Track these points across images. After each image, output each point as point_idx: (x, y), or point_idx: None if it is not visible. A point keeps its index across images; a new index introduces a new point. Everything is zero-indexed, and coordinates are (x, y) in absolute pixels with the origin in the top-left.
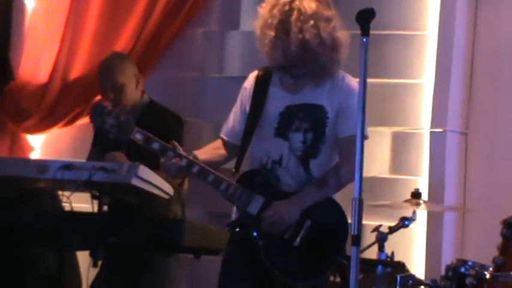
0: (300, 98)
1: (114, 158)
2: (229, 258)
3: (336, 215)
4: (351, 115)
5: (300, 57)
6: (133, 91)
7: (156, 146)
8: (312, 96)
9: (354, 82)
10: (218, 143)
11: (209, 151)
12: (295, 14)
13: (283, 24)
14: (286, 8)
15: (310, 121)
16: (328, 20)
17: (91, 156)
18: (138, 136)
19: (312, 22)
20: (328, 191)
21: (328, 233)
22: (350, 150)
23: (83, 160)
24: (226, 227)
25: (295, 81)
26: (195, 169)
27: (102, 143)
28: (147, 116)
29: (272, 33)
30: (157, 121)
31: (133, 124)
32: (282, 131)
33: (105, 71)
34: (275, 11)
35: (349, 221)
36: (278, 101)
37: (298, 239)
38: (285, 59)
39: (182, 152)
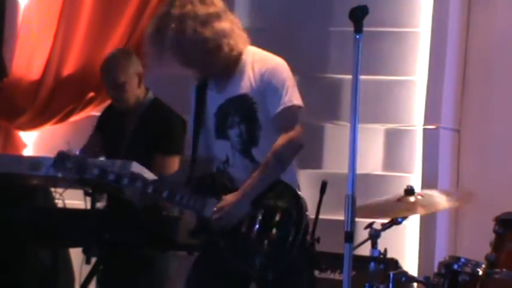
0: (225, 95)
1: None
2: (195, 265)
3: (286, 197)
4: (274, 91)
5: (196, 64)
6: (135, 89)
7: (111, 176)
8: (233, 88)
9: (263, 57)
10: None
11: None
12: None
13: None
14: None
15: (239, 113)
16: (194, 17)
17: (92, 141)
18: (95, 172)
19: (183, 26)
20: (272, 173)
21: (281, 218)
22: (282, 125)
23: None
24: (190, 238)
25: (218, 81)
26: (150, 189)
27: (103, 132)
28: (150, 113)
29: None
30: (160, 120)
31: (89, 163)
32: (221, 131)
33: (107, 69)
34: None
35: (342, 218)
36: (211, 103)
37: (254, 231)
38: (188, 69)
39: (136, 175)
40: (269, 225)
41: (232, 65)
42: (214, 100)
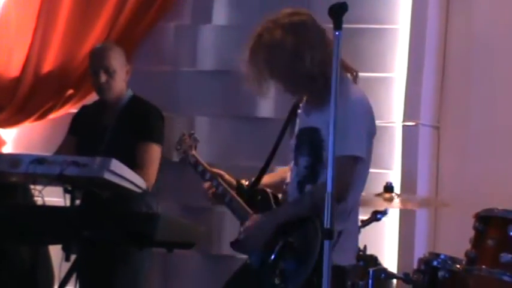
0: (308, 121)
1: None
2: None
3: (308, 236)
4: (341, 133)
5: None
6: (122, 81)
7: (200, 168)
8: (315, 118)
9: (348, 91)
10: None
11: (275, 175)
12: None
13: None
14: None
15: (309, 145)
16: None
17: (64, 145)
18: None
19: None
20: (302, 208)
21: (298, 255)
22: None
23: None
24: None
25: (311, 105)
26: (220, 189)
27: (79, 135)
28: (129, 109)
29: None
30: (139, 115)
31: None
32: (296, 154)
33: (100, 53)
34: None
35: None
36: (299, 123)
37: (272, 256)
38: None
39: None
40: (283, 259)
41: (325, 94)
42: (301, 121)
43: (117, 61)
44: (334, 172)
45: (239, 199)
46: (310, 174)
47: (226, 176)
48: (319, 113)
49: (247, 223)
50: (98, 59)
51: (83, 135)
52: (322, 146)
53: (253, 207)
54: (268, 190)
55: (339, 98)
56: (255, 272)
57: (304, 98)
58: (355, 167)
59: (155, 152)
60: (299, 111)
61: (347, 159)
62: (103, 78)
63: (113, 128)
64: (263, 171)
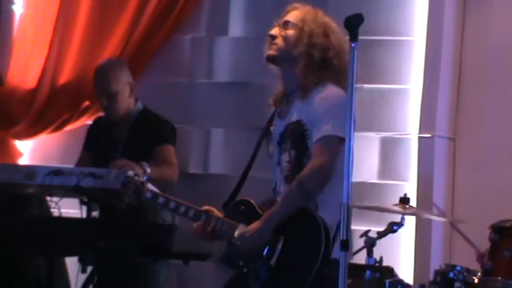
0: (286, 121)
1: (121, 165)
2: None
3: (309, 228)
4: (321, 118)
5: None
6: (127, 99)
7: (161, 200)
8: (294, 114)
9: (326, 87)
10: None
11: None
12: None
13: None
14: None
15: (291, 138)
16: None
17: (81, 161)
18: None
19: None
20: (294, 201)
21: (302, 248)
22: (313, 156)
23: (72, 166)
24: (219, 264)
25: (291, 103)
26: (191, 213)
27: (94, 149)
28: (140, 123)
29: None
30: (151, 128)
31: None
32: (278, 158)
33: (100, 78)
34: None
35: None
36: (275, 133)
37: (274, 258)
38: None
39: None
40: (288, 255)
41: (312, 86)
42: (278, 126)
43: (118, 81)
44: (348, 182)
45: (219, 215)
46: (295, 166)
47: (216, 211)
48: (302, 104)
49: (244, 230)
50: (98, 83)
51: (97, 150)
52: (306, 135)
53: (238, 218)
54: (248, 198)
55: (322, 89)
56: (252, 281)
57: (279, 102)
58: (339, 147)
59: (172, 151)
60: (273, 121)
61: (330, 139)
62: (105, 101)
63: (125, 141)
64: (240, 184)
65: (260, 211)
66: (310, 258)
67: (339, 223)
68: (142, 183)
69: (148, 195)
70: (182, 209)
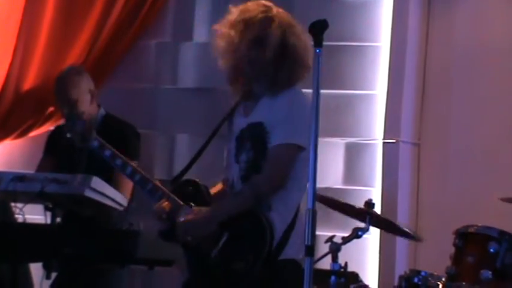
0: (248, 120)
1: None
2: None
3: (255, 228)
4: (282, 123)
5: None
6: (88, 106)
7: (108, 153)
8: (257, 114)
9: (291, 90)
10: None
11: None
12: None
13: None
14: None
15: (252, 139)
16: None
17: (41, 166)
18: (95, 144)
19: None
20: (245, 202)
21: (244, 247)
22: (269, 160)
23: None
24: (158, 237)
25: (249, 102)
26: (137, 177)
27: (56, 155)
28: (103, 129)
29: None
30: (114, 134)
31: (93, 133)
32: (238, 155)
33: (59, 86)
34: None
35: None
36: (236, 127)
37: (215, 251)
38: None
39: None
40: (229, 252)
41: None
42: (240, 122)
43: (77, 89)
44: (313, 186)
45: (164, 189)
46: (252, 167)
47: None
48: (268, 103)
49: (191, 216)
50: (57, 93)
51: (61, 155)
52: (266, 139)
53: (183, 198)
54: (197, 180)
55: (288, 93)
56: (198, 267)
57: (242, 99)
58: (296, 155)
59: None
60: (236, 114)
61: (288, 147)
62: (66, 110)
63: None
64: (193, 160)
65: (207, 198)
66: (251, 258)
67: (291, 224)
68: (90, 128)
69: (95, 143)
70: (137, 177)
